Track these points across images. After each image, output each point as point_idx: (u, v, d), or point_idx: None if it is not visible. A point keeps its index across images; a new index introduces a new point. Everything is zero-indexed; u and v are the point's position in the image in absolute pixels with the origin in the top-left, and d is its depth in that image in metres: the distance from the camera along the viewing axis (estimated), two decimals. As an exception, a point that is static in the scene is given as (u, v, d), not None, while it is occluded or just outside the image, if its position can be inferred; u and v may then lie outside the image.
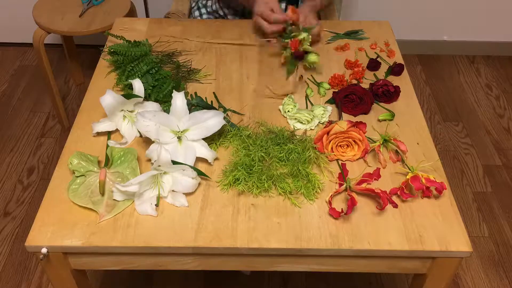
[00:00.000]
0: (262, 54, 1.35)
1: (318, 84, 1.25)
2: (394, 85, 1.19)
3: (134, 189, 0.94)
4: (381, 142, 1.07)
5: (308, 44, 1.25)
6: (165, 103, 1.16)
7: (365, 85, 1.24)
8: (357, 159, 1.06)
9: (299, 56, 1.23)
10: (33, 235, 0.92)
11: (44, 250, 0.90)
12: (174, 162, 0.97)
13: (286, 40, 1.26)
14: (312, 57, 1.25)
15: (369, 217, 0.96)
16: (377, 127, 1.14)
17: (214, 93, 1.21)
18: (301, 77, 1.23)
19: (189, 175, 0.97)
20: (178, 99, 1.03)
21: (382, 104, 1.20)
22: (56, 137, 2.12)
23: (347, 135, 1.04)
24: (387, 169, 1.05)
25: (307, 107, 1.19)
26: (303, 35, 1.24)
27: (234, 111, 1.16)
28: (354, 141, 1.05)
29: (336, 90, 1.22)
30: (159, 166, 0.96)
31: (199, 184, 1.00)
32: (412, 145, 1.09)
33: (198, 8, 1.65)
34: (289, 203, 0.97)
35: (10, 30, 2.54)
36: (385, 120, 1.16)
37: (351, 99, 1.16)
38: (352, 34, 1.43)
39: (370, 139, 1.09)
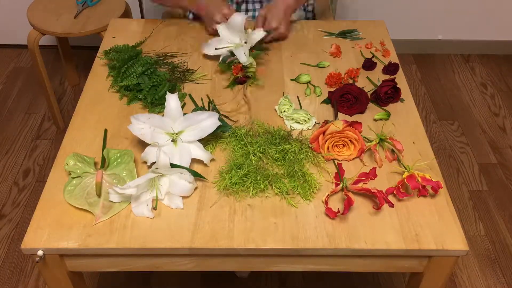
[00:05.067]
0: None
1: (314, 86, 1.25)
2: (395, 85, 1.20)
3: (132, 192, 0.94)
4: (377, 142, 1.07)
5: (254, 69, 1.25)
6: (161, 105, 1.16)
7: (360, 84, 1.24)
8: (353, 159, 1.06)
9: (240, 82, 1.26)
10: (29, 238, 0.91)
11: (40, 253, 0.90)
12: (171, 165, 0.97)
13: (231, 64, 1.25)
14: (252, 81, 1.26)
15: (365, 216, 0.96)
16: (373, 126, 1.15)
17: (207, 96, 1.21)
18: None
19: (186, 179, 0.97)
20: (172, 101, 1.03)
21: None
22: (52, 139, 2.11)
23: (343, 134, 1.04)
24: (383, 169, 1.05)
25: (300, 107, 1.19)
26: (249, 60, 1.24)
27: (226, 116, 1.15)
28: (350, 140, 1.05)
29: (332, 90, 1.22)
30: (157, 168, 0.96)
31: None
32: (408, 144, 1.09)
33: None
34: (285, 203, 0.97)
35: (4, 32, 2.53)
36: (381, 119, 1.16)
37: (346, 98, 1.16)
38: (347, 34, 1.43)
39: (366, 138, 1.09)
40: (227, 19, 1.32)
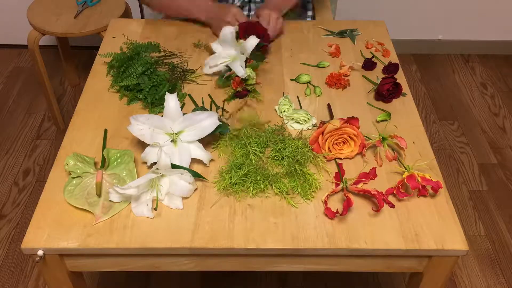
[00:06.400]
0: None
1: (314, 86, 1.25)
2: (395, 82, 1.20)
3: (133, 192, 0.94)
4: (380, 140, 1.07)
5: (253, 81, 1.21)
6: (161, 105, 1.16)
7: (357, 83, 1.24)
8: (355, 155, 1.06)
9: (240, 96, 1.21)
10: (29, 237, 0.91)
11: (40, 252, 0.90)
12: (172, 166, 0.97)
13: (229, 78, 1.22)
14: (253, 95, 1.22)
15: (365, 216, 0.96)
16: (374, 128, 1.14)
17: (209, 95, 1.21)
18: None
19: (186, 179, 0.97)
20: (171, 101, 1.02)
21: (378, 103, 1.20)
22: (52, 139, 2.11)
23: (341, 131, 1.04)
24: (383, 168, 1.05)
25: (300, 107, 1.19)
26: (247, 72, 1.19)
27: (223, 118, 1.14)
28: (349, 137, 1.05)
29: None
30: (157, 169, 0.96)
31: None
32: (408, 144, 1.09)
33: None
34: (285, 203, 0.97)
35: (4, 32, 2.53)
36: (383, 121, 1.16)
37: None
38: (347, 34, 1.43)
39: (369, 138, 1.09)
40: (237, 20, 1.31)
